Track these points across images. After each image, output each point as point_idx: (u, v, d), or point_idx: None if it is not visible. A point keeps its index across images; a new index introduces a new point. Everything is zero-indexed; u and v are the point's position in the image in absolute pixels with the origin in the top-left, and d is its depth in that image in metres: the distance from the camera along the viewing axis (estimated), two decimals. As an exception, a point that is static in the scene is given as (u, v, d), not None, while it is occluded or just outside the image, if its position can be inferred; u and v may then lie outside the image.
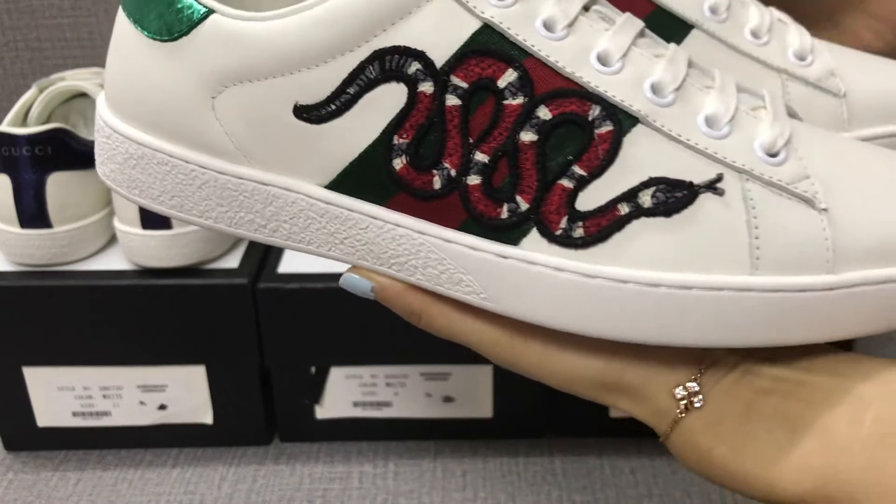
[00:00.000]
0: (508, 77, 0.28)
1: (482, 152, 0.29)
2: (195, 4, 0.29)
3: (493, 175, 0.29)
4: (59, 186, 0.44)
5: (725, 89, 0.30)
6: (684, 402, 0.29)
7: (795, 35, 0.39)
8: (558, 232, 0.29)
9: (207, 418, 0.49)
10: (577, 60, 0.29)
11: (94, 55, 0.66)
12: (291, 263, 0.47)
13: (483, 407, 0.50)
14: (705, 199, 0.28)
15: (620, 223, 0.28)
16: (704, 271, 0.28)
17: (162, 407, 0.49)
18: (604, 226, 0.28)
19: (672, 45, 0.31)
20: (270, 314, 0.46)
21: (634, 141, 0.29)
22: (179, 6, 0.29)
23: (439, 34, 0.28)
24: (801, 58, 0.39)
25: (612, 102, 0.29)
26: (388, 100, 0.29)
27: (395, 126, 0.29)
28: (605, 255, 0.29)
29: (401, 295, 0.31)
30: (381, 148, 0.29)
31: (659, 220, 0.28)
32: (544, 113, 0.28)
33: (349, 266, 0.32)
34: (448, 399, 0.49)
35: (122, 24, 0.30)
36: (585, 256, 0.29)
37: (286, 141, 0.30)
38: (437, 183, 0.29)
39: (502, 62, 0.28)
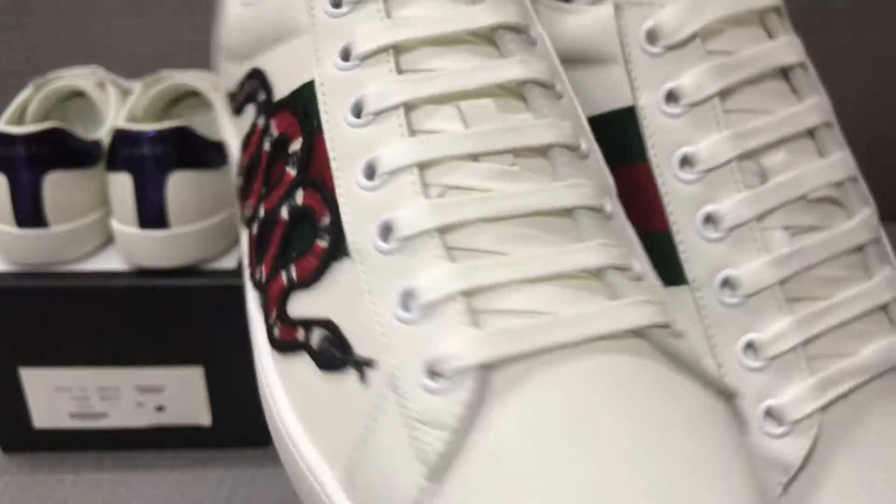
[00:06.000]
0: (296, 145, 0.26)
1: (264, 208, 0.27)
2: None
3: (263, 234, 0.27)
4: (56, 186, 0.44)
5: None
6: None
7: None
8: (270, 320, 0.27)
9: (205, 420, 0.49)
10: (351, 157, 0.24)
11: (92, 54, 0.65)
12: (290, 264, 0.47)
13: (483, 408, 0.49)
14: (349, 375, 0.24)
15: (294, 346, 0.26)
16: (316, 433, 0.26)
17: (159, 408, 0.48)
18: (287, 340, 0.26)
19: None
20: (269, 315, 0.45)
21: (340, 272, 0.24)
22: None
23: (285, 74, 0.27)
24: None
25: (341, 221, 0.24)
26: (247, 116, 0.29)
27: (243, 145, 0.29)
28: (286, 367, 0.27)
29: None
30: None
31: (315, 368, 0.25)
32: (299, 197, 0.26)
33: None
34: (448, 400, 0.49)
35: None
36: (280, 360, 0.27)
37: None
38: (247, 211, 0.29)
39: (299, 127, 0.26)
